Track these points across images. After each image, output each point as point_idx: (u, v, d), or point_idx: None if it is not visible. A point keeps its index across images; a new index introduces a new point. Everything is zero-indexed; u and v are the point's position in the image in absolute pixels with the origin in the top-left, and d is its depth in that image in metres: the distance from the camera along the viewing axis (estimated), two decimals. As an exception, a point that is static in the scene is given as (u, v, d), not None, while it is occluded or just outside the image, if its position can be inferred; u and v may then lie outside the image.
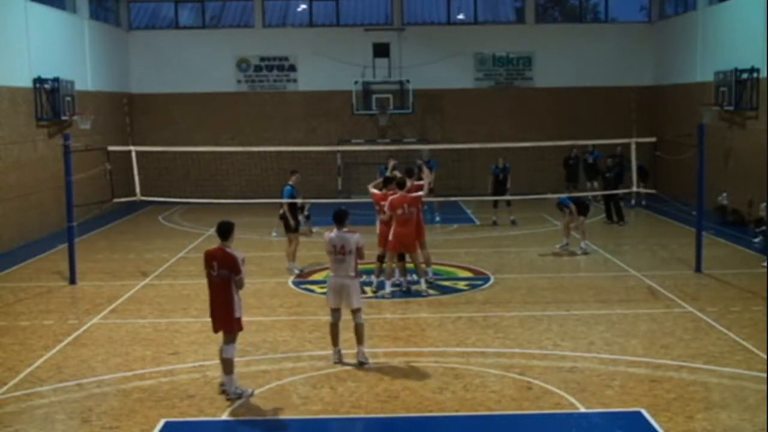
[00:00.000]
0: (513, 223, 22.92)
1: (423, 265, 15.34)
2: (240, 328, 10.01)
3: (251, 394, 9.87)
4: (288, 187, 17.15)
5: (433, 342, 12.21)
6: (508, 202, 23.04)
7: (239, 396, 9.71)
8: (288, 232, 17.23)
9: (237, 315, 9.87)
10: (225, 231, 9.86)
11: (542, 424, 9.25)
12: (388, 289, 14.80)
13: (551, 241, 19.90)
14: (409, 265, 15.43)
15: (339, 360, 11.05)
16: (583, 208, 19.02)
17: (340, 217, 11.06)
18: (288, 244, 17.26)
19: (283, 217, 17.21)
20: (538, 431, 9.20)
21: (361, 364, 10.90)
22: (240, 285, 9.78)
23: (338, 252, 10.96)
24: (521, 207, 24.01)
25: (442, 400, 9.76)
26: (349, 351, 11.29)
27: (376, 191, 15.58)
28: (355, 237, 10.97)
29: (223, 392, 9.83)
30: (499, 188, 22.77)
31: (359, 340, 11.05)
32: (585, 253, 18.55)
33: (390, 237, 14.63)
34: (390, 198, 14.70)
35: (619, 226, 23.01)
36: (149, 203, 24.16)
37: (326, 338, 12.41)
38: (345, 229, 11.02)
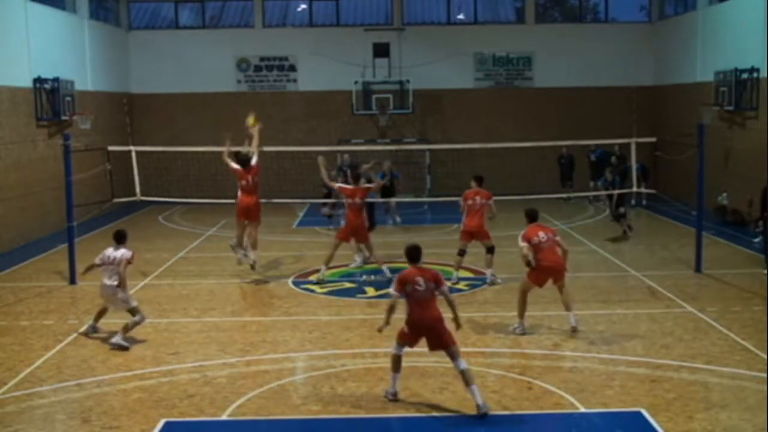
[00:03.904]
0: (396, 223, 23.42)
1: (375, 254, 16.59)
2: (459, 325, 9.83)
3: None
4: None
5: (433, 342, 12.20)
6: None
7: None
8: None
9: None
10: (418, 254, 9.85)
11: (542, 424, 9.26)
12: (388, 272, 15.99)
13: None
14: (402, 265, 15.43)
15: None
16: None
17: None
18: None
19: None
20: (538, 431, 9.20)
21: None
22: (449, 294, 9.83)
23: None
24: (522, 207, 23.93)
25: (442, 400, 9.76)
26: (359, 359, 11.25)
27: (345, 186, 17.11)
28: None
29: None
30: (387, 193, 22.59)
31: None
32: None
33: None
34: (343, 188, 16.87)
35: (620, 226, 23.07)
36: (149, 203, 24.16)
37: (326, 338, 12.44)
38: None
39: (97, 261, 12.43)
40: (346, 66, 29.11)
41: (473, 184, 16.08)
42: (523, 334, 12.29)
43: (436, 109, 30.55)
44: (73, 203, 16.50)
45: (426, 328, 9.52)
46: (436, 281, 9.65)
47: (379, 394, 9.90)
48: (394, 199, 23.14)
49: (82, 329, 12.84)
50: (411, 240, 10.74)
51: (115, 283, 12.10)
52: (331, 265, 16.50)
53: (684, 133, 20.61)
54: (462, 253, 16.09)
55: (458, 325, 9.74)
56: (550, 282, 12.58)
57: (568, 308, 12.61)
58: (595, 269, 17.25)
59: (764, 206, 17.75)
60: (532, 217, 12.96)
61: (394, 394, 9.66)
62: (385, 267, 16.28)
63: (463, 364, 9.34)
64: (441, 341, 9.47)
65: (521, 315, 12.49)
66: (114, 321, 12.74)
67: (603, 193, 23.92)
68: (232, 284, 16.24)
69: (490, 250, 16.02)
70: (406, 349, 9.73)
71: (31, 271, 17.86)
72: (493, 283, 15.78)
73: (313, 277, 16.47)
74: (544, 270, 12.36)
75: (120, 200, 19.30)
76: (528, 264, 12.39)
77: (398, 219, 23.34)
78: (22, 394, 10.11)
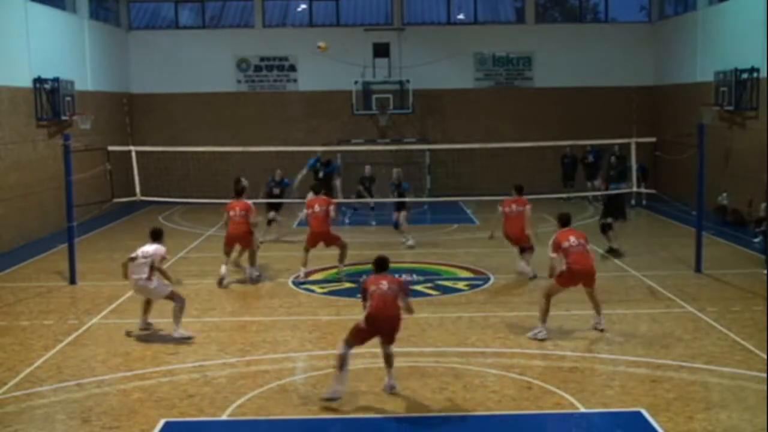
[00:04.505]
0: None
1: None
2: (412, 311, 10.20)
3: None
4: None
5: (433, 342, 12.21)
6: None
7: None
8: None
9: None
10: (385, 264, 10.20)
11: (542, 424, 9.26)
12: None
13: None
14: (412, 266, 15.45)
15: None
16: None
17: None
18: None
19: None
20: (538, 431, 9.20)
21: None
22: (409, 307, 10.02)
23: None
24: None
25: (442, 400, 9.77)
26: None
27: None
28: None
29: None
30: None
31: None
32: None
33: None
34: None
35: (620, 223, 23.10)
36: (149, 203, 24.16)
37: (326, 338, 12.44)
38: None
39: (132, 255, 12.43)
40: (346, 66, 29.10)
41: (513, 193, 16.36)
42: (545, 339, 12.02)
43: (436, 109, 30.55)
44: (73, 203, 16.50)
45: (384, 321, 9.76)
46: (400, 287, 9.98)
47: (379, 394, 9.91)
48: (372, 200, 22.88)
49: (134, 329, 12.69)
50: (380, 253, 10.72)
51: (144, 275, 12.19)
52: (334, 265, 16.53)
53: (684, 133, 20.60)
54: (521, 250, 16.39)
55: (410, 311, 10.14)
56: (550, 282, 12.57)
57: (598, 311, 12.59)
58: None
59: None
60: (564, 221, 12.82)
61: (336, 395, 9.53)
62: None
63: (390, 349, 9.95)
64: (392, 337, 9.94)
65: (543, 319, 12.19)
66: (131, 321, 12.71)
67: (601, 193, 23.96)
68: (232, 284, 16.23)
69: (524, 249, 16.26)
70: (406, 348, 9.73)
71: (31, 271, 17.86)
72: (534, 277, 15.89)
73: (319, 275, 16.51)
74: (576, 274, 12.17)
75: (120, 200, 19.30)
76: (552, 275, 12.34)
77: (411, 242, 20.00)
78: (22, 394, 10.11)
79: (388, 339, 9.92)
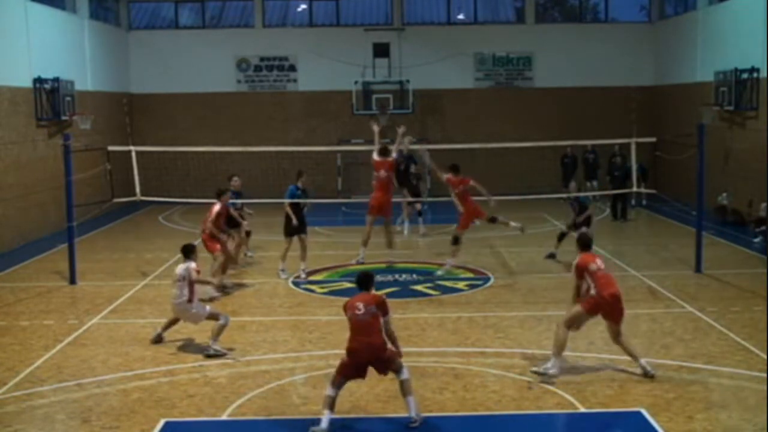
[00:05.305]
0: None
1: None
2: (400, 354, 9.27)
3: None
4: (291, 187, 16.74)
5: (433, 342, 12.21)
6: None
7: None
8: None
9: (389, 348, 9.13)
10: (368, 282, 9.34)
11: (542, 424, 9.26)
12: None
13: (551, 241, 19.87)
14: (411, 266, 15.46)
15: None
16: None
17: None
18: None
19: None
20: (538, 431, 9.20)
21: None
22: (388, 326, 9.09)
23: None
24: (522, 207, 23.98)
25: (442, 400, 9.77)
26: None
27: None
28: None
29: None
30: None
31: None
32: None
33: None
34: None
35: (621, 223, 23.21)
36: (149, 203, 24.15)
37: (326, 338, 12.44)
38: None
39: (172, 282, 12.12)
40: (346, 66, 29.10)
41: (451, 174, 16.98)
42: (556, 376, 10.42)
43: (436, 109, 30.55)
44: (73, 203, 16.50)
45: (366, 351, 8.90)
46: (378, 306, 8.99)
47: (379, 393, 9.90)
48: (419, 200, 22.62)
49: (153, 336, 12.32)
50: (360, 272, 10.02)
51: (184, 297, 11.70)
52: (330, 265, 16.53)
53: (684, 133, 20.60)
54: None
55: (399, 355, 9.19)
56: (550, 282, 12.55)
57: (635, 357, 10.65)
58: (595, 269, 17.20)
59: None
60: (585, 244, 11.07)
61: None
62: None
63: (405, 374, 9.03)
64: (387, 367, 9.08)
65: (559, 353, 10.52)
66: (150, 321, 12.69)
67: (601, 193, 23.97)
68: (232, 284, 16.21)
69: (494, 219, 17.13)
70: (406, 348, 9.65)
71: (31, 271, 17.86)
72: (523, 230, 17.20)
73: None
74: (606, 299, 10.46)
75: (120, 200, 19.29)
76: (577, 301, 10.71)
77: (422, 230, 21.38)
78: (22, 394, 10.11)
79: (381, 370, 9.11)
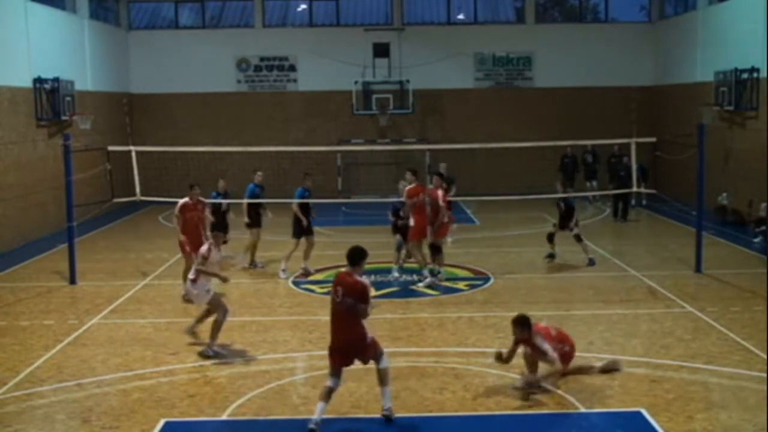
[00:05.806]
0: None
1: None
2: (380, 350, 9.12)
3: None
4: (300, 190, 16.65)
5: (433, 342, 12.21)
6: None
7: None
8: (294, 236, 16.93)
9: (369, 338, 9.06)
10: (356, 257, 9.01)
11: (542, 424, 9.25)
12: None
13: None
14: (413, 265, 15.47)
15: None
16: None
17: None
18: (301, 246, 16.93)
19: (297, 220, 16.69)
20: (538, 431, 9.20)
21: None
22: (363, 315, 8.90)
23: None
24: (522, 207, 24.02)
25: (442, 400, 9.76)
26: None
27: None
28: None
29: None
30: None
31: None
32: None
33: None
34: None
35: (621, 223, 23.23)
36: (149, 203, 24.12)
37: (326, 338, 12.38)
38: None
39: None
40: (346, 66, 29.10)
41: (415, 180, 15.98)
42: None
43: (436, 109, 30.55)
44: (73, 203, 16.50)
45: (344, 343, 8.93)
46: (357, 297, 8.75)
47: (379, 393, 9.88)
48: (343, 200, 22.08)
49: (187, 329, 12.23)
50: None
51: (192, 276, 11.85)
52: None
53: (684, 133, 20.60)
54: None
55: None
56: (550, 282, 12.55)
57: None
58: (595, 269, 17.23)
59: None
60: (525, 323, 10.11)
61: (316, 424, 8.73)
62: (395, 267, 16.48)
63: (384, 362, 9.02)
64: (368, 357, 9.04)
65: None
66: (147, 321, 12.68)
67: (600, 193, 23.96)
68: (232, 284, 16.19)
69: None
70: (406, 348, 9.66)
71: (31, 271, 17.86)
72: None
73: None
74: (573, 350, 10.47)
75: (120, 200, 19.29)
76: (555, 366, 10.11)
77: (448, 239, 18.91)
78: (22, 394, 10.11)
79: (362, 360, 9.08)
